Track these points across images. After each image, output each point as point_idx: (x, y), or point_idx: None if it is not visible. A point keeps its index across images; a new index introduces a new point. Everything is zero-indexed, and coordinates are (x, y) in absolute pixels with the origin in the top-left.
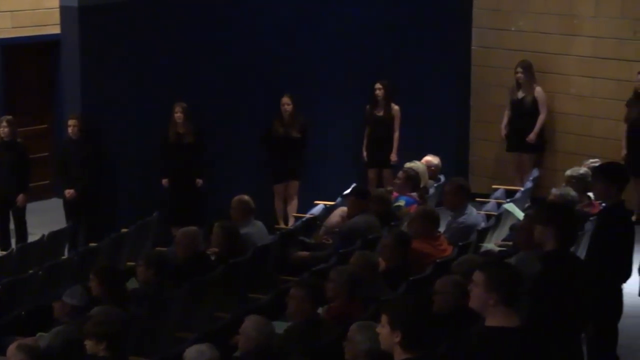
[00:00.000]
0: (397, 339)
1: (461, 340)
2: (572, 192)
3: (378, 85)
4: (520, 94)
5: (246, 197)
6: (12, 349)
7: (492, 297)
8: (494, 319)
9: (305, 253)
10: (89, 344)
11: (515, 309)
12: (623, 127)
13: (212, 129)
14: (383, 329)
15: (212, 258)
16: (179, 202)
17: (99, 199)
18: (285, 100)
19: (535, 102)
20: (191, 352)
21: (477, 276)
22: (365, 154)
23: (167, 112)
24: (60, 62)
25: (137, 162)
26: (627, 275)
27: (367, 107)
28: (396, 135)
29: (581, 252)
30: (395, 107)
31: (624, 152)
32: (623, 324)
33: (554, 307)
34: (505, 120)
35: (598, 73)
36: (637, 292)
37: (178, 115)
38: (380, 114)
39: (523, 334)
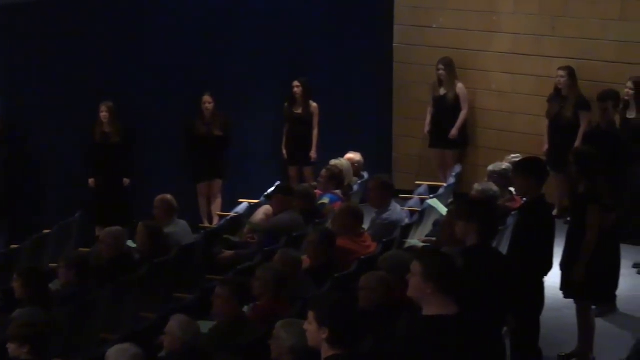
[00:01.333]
0: (324, 336)
1: (394, 332)
2: (494, 188)
3: (296, 83)
4: (442, 91)
5: (169, 197)
6: None
7: (429, 287)
8: (432, 308)
9: (229, 252)
10: (11, 347)
11: (453, 297)
12: (544, 123)
13: (136, 128)
14: (310, 326)
15: (136, 258)
16: (105, 202)
17: (21, 200)
18: (206, 98)
19: (457, 98)
20: (113, 350)
21: (415, 266)
22: (285, 152)
23: (94, 112)
24: None
25: (62, 162)
26: (548, 268)
27: (286, 105)
28: (315, 132)
29: (503, 247)
30: (314, 105)
31: (545, 147)
32: (545, 317)
33: (476, 302)
34: (428, 117)
35: (518, 69)
36: (558, 285)
37: (104, 114)
38: (299, 111)
39: (461, 320)
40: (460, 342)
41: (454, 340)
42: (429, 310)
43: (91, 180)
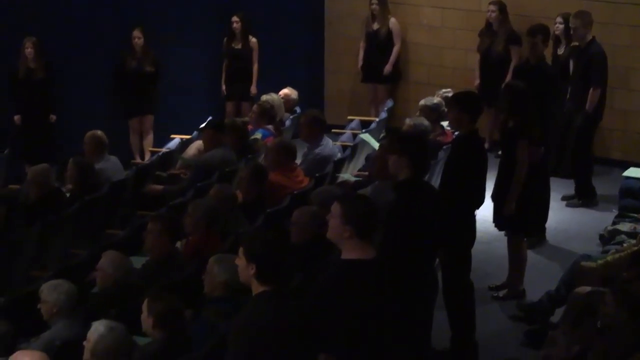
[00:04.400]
0: (252, 272)
1: (318, 271)
2: (426, 122)
3: (235, 19)
4: (375, 26)
5: (99, 132)
6: None
7: (347, 230)
8: (350, 252)
9: (158, 186)
10: None
11: (370, 242)
12: (475, 57)
13: (64, 64)
14: (240, 262)
15: (67, 195)
16: (32, 139)
17: None
18: (136, 34)
19: (390, 33)
20: (47, 286)
21: (335, 208)
22: (224, 87)
23: (17, 48)
24: None
25: None
26: (480, 202)
27: (225, 39)
28: (255, 67)
29: (435, 181)
30: (253, 40)
31: (477, 81)
32: (475, 249)
33: (407, 235)
34: (361, 53)
35: (447, 3)
36: (488, 218)
37: (28, 50)
38: (238, 46)
39: (378, 265)
40: (376, 287)
41: (370, 286)
42: (347, 254)
43: (17, 117)
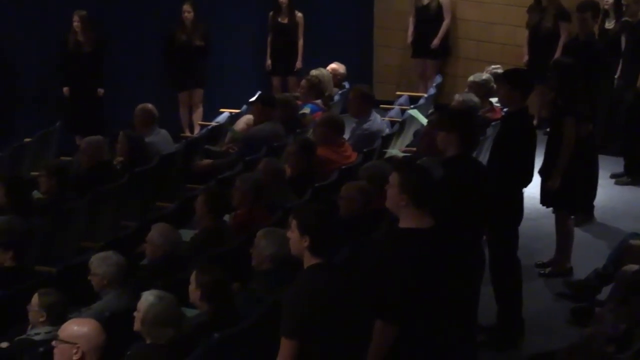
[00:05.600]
0: (306, 244)
1: (373, 242)
2: (475, 98)
3: None
4: (425, 0)
5: (149, 106)
6: None
7: (403, 199)
8: (406, 221)
9: (207, 161)
10: None
11: (427, 211)
12: (523, 34)
13: (114, 38)
14: (293, 234)
15: (118, 167)
16: (80, 111)
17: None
18: (186, 7)
19: (440, 7)
20: (96, 259)
21: (393, 177)
22: (269, 62)
23: (68, 21)
24: None
25: (38, 70)
26: (528, 179)
27: (271, 14)
28: (300, 42)
29: (483, 157)
30: (299, 15)
31: (525, 57)
32: (523, 226)
33: (456, 211)
34: (410, 27)
35: None
36: (536, 195)
37: (76, 24)
38: (285, 21)
39: (435, 234)
40: (432, 256)
41: (426, 254)
42: (404, 222)
43: (65, 89)
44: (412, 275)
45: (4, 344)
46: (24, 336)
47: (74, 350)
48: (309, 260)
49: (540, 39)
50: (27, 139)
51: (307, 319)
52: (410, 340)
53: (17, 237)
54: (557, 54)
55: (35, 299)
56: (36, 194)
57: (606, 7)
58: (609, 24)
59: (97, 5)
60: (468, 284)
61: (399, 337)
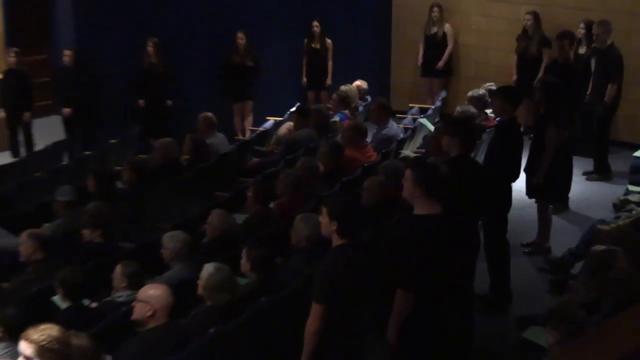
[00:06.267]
0: (334, 227)
1: (384, 229)
2: (472, 109)
3: (315, 23)
4: (434, 29)
5: (210, 114)
6: (24, 236)
7: (417, 190)
8: (420, 208)
9: (256, 159)
10: (85, 233)
11: (437, 200)
12: (514, 58)
13: (180, 60)
14: (324, 219)
15: (184, 164)
16: (154, 118)
17: (90, 116)
18: (240, 35)
19: (444, 35)
20: (167, 236)
21: (407, 173)
22: (305, 79)
23: (144, 45)
24: None
25: (120, 85)
26: (516, 175)
27: (306, 40)
28: (330, 63)
29: (479, 157)
30: (329, 41)
31: (514, 77)
32: (512, 214)
33: (458, 201)
34: (420, 51)
35: (493, 13)
36: (523, 189)
37: (150, 49)
38: (317, 46)
39: (443, 219)
40: (444, 236)
41: (438, 234)
42: (418, 210)
43: (141, 101)
44: (426, 251)
45: (94, 304)
46: (109, 298)
47: (148, 308)
48: (336, 241)
49: (526, 62)
50: (112, 141)
51: (334, 287)
52: (423, 305)
53: (104, 219)
54: (541, 74)
55: (118, 268)
56: (119, 184)
57: (579, 36)
58: (582, 50)
59: (168, 32)
60: (467, 259)
61: (415, 304)
